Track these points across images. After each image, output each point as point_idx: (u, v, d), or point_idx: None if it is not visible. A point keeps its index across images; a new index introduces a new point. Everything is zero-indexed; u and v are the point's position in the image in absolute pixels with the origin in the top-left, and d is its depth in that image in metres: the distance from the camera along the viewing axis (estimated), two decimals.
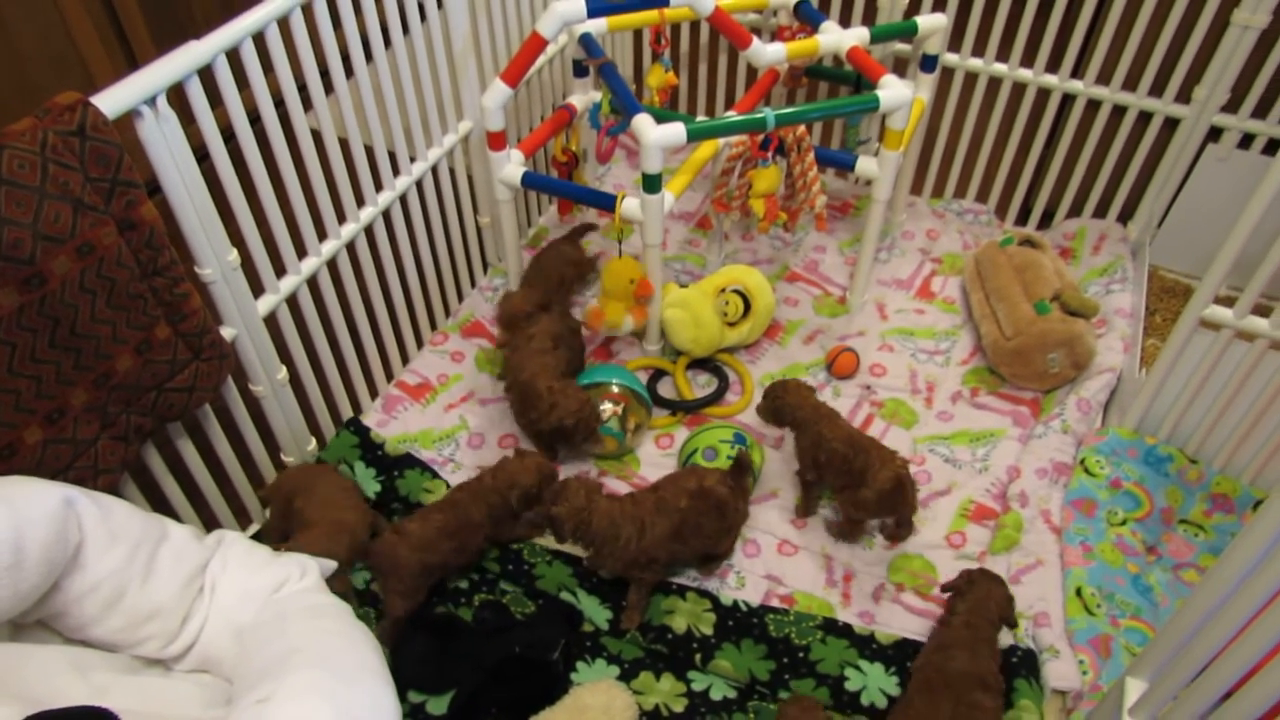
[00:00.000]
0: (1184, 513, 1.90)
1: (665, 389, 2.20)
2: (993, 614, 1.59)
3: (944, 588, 1.69)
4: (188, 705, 1.08)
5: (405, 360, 2.25)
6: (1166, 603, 1.75)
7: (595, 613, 1.73)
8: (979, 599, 1.60)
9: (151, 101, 1.34)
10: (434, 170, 2.11)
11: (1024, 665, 1.64)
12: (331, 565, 1.40)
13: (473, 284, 2.47)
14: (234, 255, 1.56)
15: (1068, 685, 1.61)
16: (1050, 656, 1.65)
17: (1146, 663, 1.19)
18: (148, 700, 1.05)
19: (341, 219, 1.87)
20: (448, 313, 2.39)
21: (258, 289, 1.69)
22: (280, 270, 1.75)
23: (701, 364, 2.23)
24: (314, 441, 1.98)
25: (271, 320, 1.73)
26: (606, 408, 1.96)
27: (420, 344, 2.30)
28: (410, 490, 1.91)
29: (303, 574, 1.27)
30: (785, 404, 1.91)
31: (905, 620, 1.75)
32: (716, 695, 1.64)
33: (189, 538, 1.22)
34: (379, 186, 1.96)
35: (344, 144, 1.79)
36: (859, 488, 1.77)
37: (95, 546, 1.08)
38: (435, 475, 1.95)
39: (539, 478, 1.76)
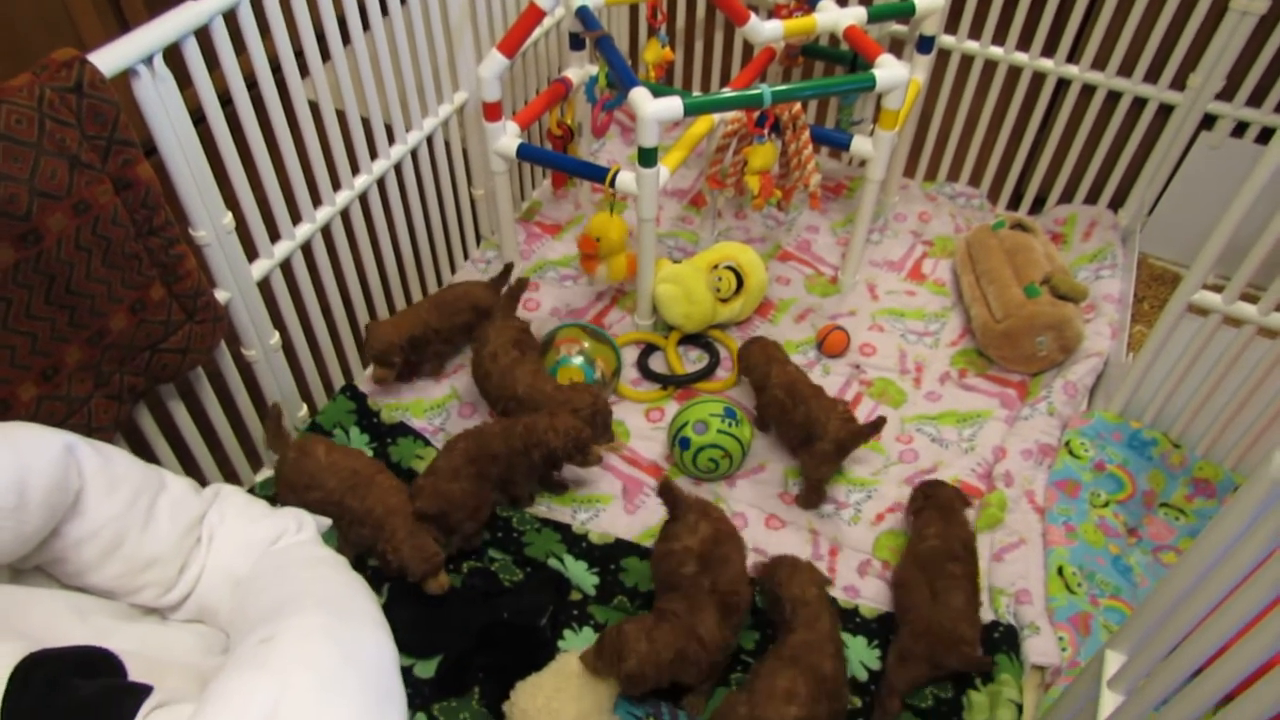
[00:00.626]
0: (1166, 496, 1.93)
1: (657, 364, 2.21)
2: (956, 505, 1.75)
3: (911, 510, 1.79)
4: (186, 652, 1.10)
5: None
6: (1146, 583, 1.78)
7: (583, 578, 1.75)
8: (943, 500, 1.75)
9: (148, 61, 1.34)
10: (429, 140, 2.11)
11: (1005, 641, 1.66)
12: (326, 523, 1.41)
13: (465, 256, 2.47)
14: (229, 218, 1.56)
15: (1047, 661, 1.64)
16: (1031, 633, 1.68)
17: (1126, 636, 1.21)
18: (146, 645, 1.06)
19: (336, 186, 1.87)
20: (440, 284, 2.39)
21: (252, 253, 1.69)
22: (275, 235, 1.75)
23: (693, 340, 2.25)
24: (305, 407, 1.98)
25: (265, 285, 1.74)
26: (575, 353, 2.01)
27: None
28: (402, 457, 1.92)
29: (299, 527, 1.28)
30: (750, 361, 2.00)
31: (890, 595, 1.77)
32: None
33: (187, 489, 1.23)
34: (374, 154, 1.96)
35: (339, 113, 1.79)
36: (812, 442, 1.84)
37: (95, 493, 1.09)
38: (427, 443, 1.96)
39: (566, 441, 1.75)
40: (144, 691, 0.90)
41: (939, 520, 1.73)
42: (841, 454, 1.86)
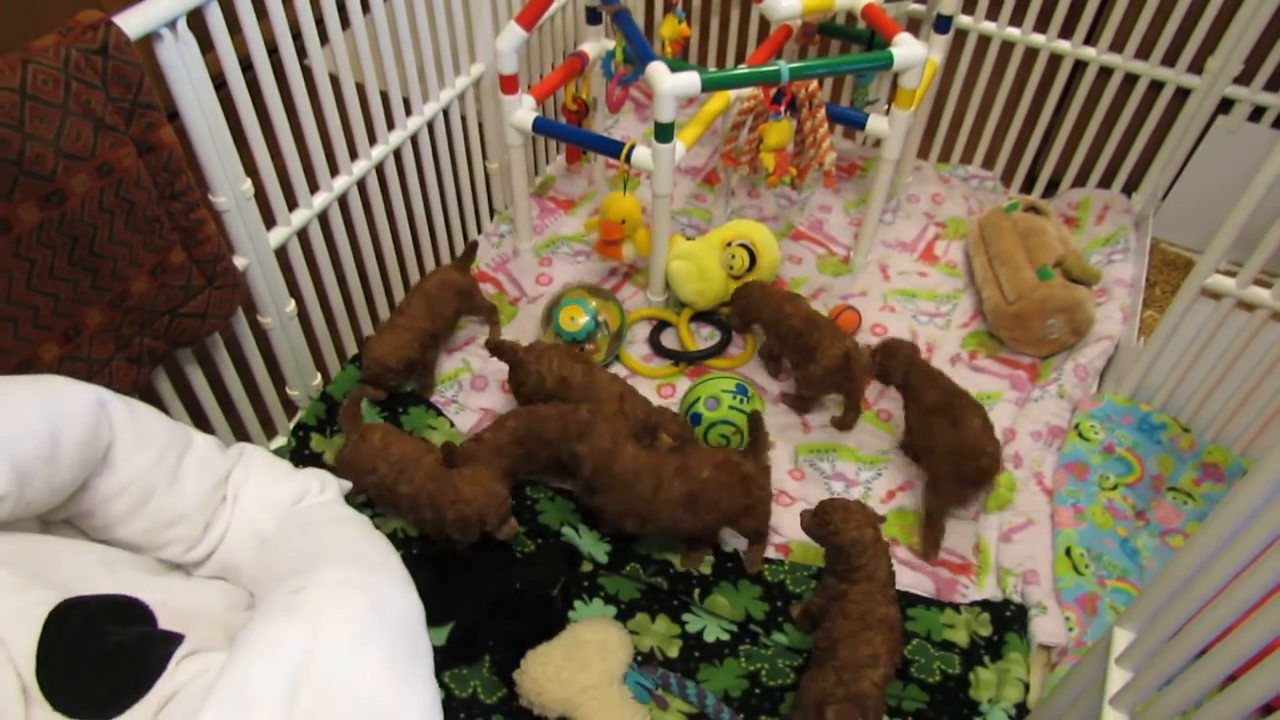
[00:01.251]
0: (1174, 480, 1.94)
1: (669, 340, 2.22)
2: (919, 360, 1.86)
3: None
4: (212, 606, 1.11)
5: None
6: (1153, 566, 1.79)
7: (594, 548, 1.76)
8: (910, 358, 1.86)
9: (171, 25, 1.34)
10: (445, 113, 2.11)
11: (1014, 620, 1.68)
12: (347, 485, 1.42)
13: (479, 229, 2.47)
14: (248, 185, 1.57)
15: (1054, 640, 1.65)
16: (1038, 612, 1.69)
17: (1135, 614, 1.22)
18: (172, 598, 1.08)
19: (354, 156, 1.88)
20: (453, 256, 2.39)
21: (270, 221, 1.70)
22: (292, 203, 1.75)
23: (705, 317, 2.25)
24: (319, 376, 1.99)
25: (282, 253, 1.74)
26: (578, 299, 2.05)
27: None
28: (415, 426, 1.93)
29: (323, 487, 1.30)
30: (751, 301, 2.06)
31: (899, 573, 1.77)
32: (710, 638, 1.68)
33: (213, 447, 1.25)
34: (391, 126, 1.96)
35: (359, 86, 1.79)
36: (810, 363, 1.92)
37: (125, 447, 1.10)
38: (439, 413, 1.98)
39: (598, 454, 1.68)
40: (176, 639, 0.91)
41: (926, 381, 1.86)
42: (824, 383, 1.95)
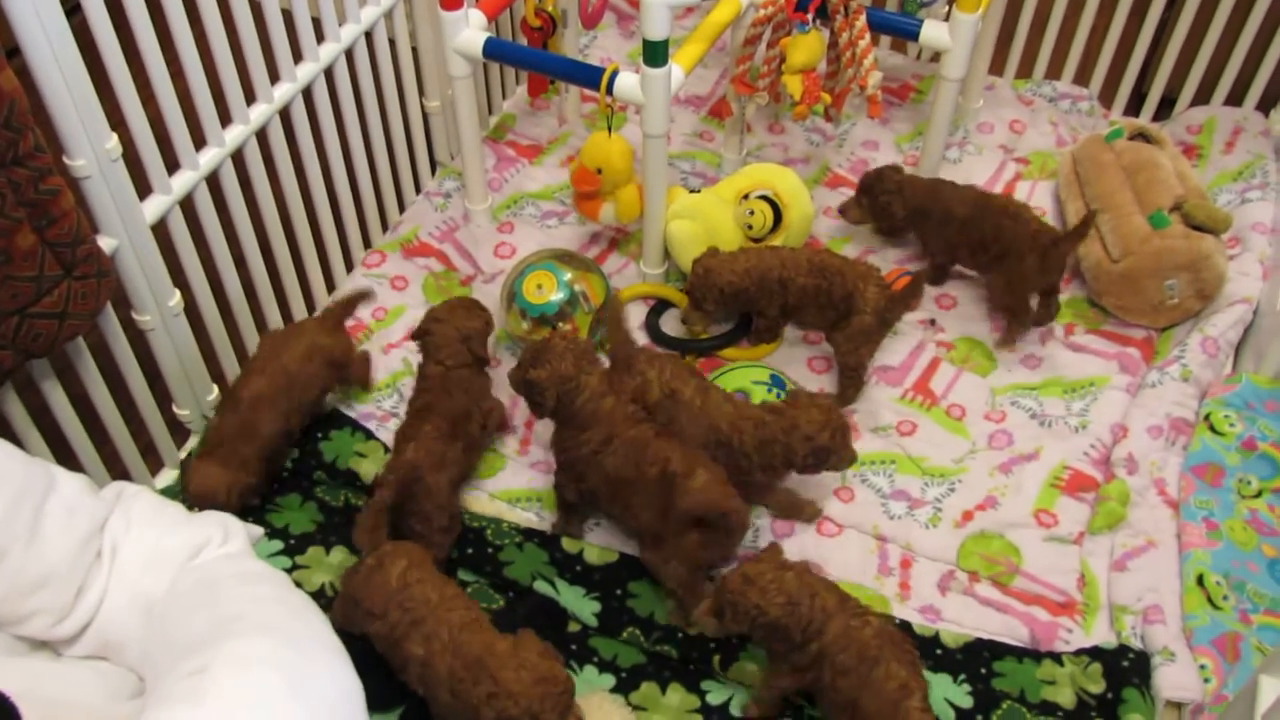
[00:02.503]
0: None
1: (671, 324, 2.23)
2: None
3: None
4: (88, 692, 1.12)
5: (331, 287, 2.29)
6: None
7: (579, 606, 1.78)
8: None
9: None
10: (368, 36, 2.13)
11: (1133, 671, 1.70)
12: (259, 532, 1.43)
13: (418, 189, 2.49)
14: (113, 142, 1.58)
15: (1186, 695, 1.67)
16: (1164, 660, 1.71)
17: None
18: (40, 684, 1.09)
19: (250, 99, 1.89)
20: (385, 226, 2.41)
21: (144, 188, 1.71)
22: (172, 164, 1.76)
23: None
24: (216, 390, 2.01)
25: (161, 229, 1.75)
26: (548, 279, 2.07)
27: (350, 266, 2.33)
28: (339, 454, 1.94)
29: (226, 537, 1.31)
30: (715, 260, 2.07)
31: (981, 617, 1.81)
32: (738, 710, 1.69)
33: (82, 489, 1.26)
34: (297, 56, 1.97)
35: (253, 3, 1.80)
36: (850, 316, 2.01)
37: None
38: (370, 435, 1.99)
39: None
40: None
41: (940, 195, 2.18)
42: (884, 327, 2.04)
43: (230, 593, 1.18)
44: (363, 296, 2.07)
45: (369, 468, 1.92)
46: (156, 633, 1.18)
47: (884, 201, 2.23)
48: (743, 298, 2.08)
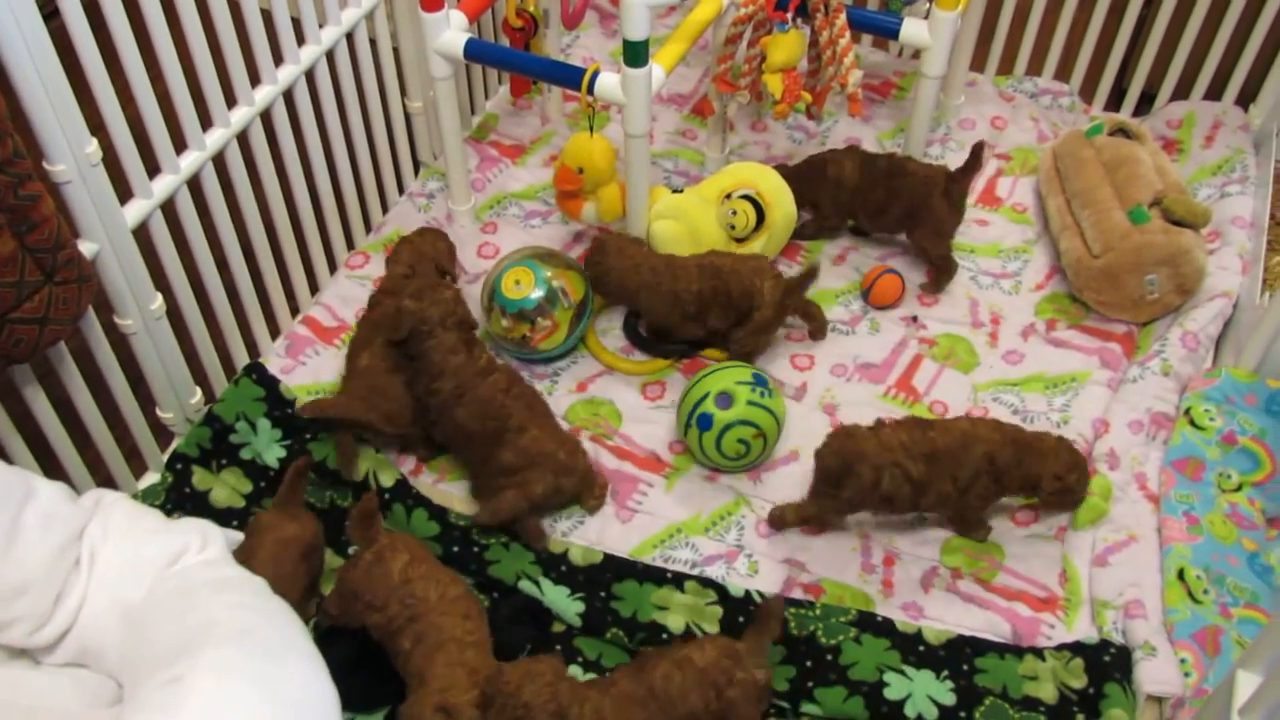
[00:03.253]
0: None
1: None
2: None
3: None
4: (67, 699, 1.13)
5: (314, 289, 2.28)
6: None
7: (564, 606, 1.78)
8: None
9: None
10: (349, 38, 2.12)
11: (1115, 666, 1.71)
12: (238, 537, 1.44)
13: (400, 190, 2.49)
14: (93, 147, 1.58)
15: (1166, 690, 1.68)
16: (1145, 654, 1.72)
17: (1261, 651, 1.25)
18: (19, 693, 1.09)
19: (231, 102, 1.89)
20: (368, 227, 2.41)
21: (124, 193, 1.71)
22: (153, 168, 1.76)
23: None
24: (199, 393, 2.00)
25: (143, 233, 1.75)
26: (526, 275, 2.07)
27: (334, 268, 2.33)
28: (328, 456, 1.94)
29: (204, 543, 1.31)
30: (608, 265, 2.08)
31: (963, 614, 1.82)
32: None
33: (61, 497, 1.26)
34: (278, 59, 1.97)
35: (233, 5, 1.80)
36: (749, 313, 2.07)
37: None
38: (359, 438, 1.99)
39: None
40: None
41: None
42: (783, 315, 2.12)
43: (207, 600, 1.18)
44: (305, 468, 1.84)
45: (360, 465, 1.93)
46: (134, 640, 1.18)
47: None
48: (632, 304, 2.16)
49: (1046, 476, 1.81)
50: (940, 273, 2.29)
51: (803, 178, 2.30)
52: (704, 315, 2.09)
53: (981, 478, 1.81)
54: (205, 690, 1.00)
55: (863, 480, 1.78)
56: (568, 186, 2.14)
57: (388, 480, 1.92)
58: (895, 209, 2.25)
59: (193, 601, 1.18)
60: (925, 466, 1.79)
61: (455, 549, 1.84)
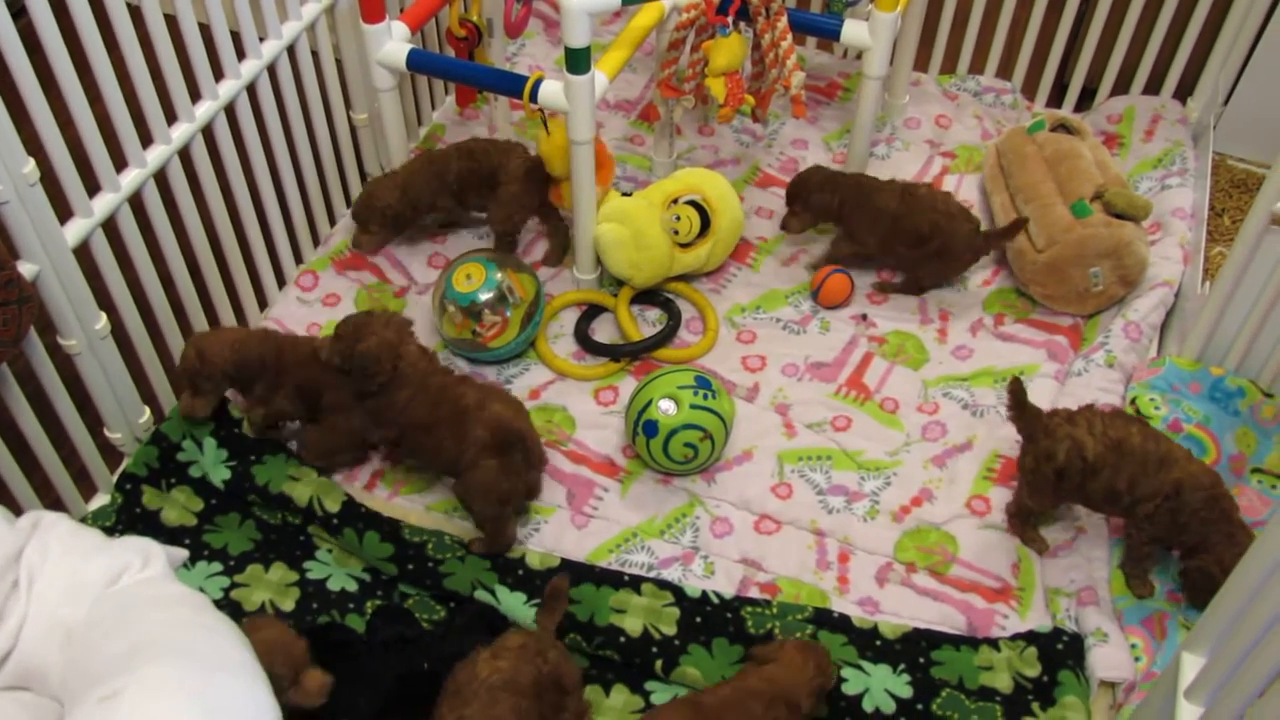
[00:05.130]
0: (1258, 460, 2.01)
1: (605, 331, 2.25)
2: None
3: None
4: None
5: (263, 305, 2.28)
6: None
7: (520, 613, 1.79)
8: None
9: None
10: (290, 52, 2.12)
11: (1068, 653, 1.73)
12: (182, 555, 1.43)
13: (348, 203, 2.48)
14: (30, 166, 1.57)
15: (1118, 675, 1.71)
16: (1097, 641, 1.75)
17: (1204, 634, 1.27)
18: None
19: (171, 118, 1.88)
20: (316, 242, 2.40)
21: (64, 212, 1.70)
22: (93, 187, 1.75)
23: (649, 297, 2.29)
24: (147, 412, 1.99)
25: (84, 252, 1.74)
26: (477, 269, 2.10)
27: (282, 284, 2.32)
28: (271, 479, 1.93)
29: (145, 562, 1.31)
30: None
31: (918, 607, 1.84)
32: None
33: None
34: (218, 75, 1.96)
35: (169, 19, 1.79)
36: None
37: None
38: (303, 461, 1.97)
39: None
40: None
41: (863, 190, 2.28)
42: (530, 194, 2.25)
43: (146, 618, 1.18)
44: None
45: (302, 491, 1.91)
46: (74, 660, 1.18)
47: (817, 200, 2.27)
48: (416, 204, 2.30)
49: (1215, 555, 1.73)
50: (910, 288, 2.34)
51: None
52: (465, 194, 2.29)
53: (1162, 505, 1.75)
54: (141, 706, 0.99)
55: (1038, 447, 1.81)
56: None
57: (333, 505, 1.90)
58: (931, 245, 2.25)
59: (131, 620, 1.17)
60: (1106, 452, 1.76)
61: (410, 566, 1.84)
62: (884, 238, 2.27)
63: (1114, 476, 1.76)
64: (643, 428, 1.93)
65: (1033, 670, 1.74)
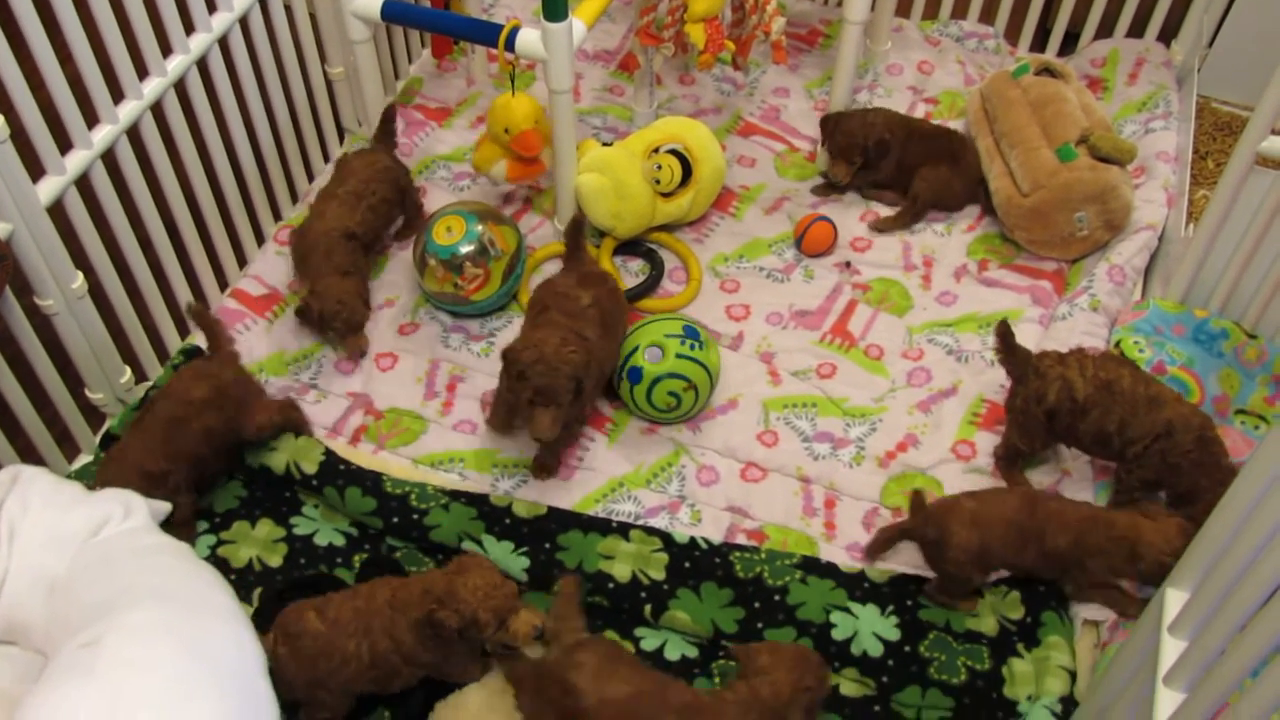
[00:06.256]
0: (1241, 401, 2.02)
1: None
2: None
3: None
4: None
5: (242, 262, 2.26)
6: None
7: (509, 562, 1.79)
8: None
9: None
10: (263, 4, 2.10)
11: (1050, 595, 1.75)
12: (165, 508, 1.43)
13: (326, 158, 2.46)
14: (0, 123, 1.55)
15: (1101, 614, 1.73)
16: None
17: (1187, 570, 1.28)
18: None
19: (142, 74, 1.86)
20: (294, 197, 2.39)
21: (36, 170, 1.68)
22: (65, 144, 1.74)
23: (633, 247, 2.28)
24: (128, 372, 1.99)
25: (59, 211, 1.73)
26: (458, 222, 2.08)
27: (261, 240, 2.31)
28: (251, 453, 1.91)
29: (126, 512, 1.31)
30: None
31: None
32: (673, 655, 1.72)
33: None
34: (189, 28, 1.94)
35: None
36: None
37: None
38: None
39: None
40: None
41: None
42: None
43: (127, 566, 1.18)
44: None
45: (279, 459, 1.90)
46: (57, 611, 1.18)
47: (863, 138, 2.32)
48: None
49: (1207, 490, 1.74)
50: (908, 211, 2.36)
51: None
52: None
53: (1152, 445, 1.75)
54: (121, 649, 1.00)
55: (1028, 388, 1.81)
56: (531, 150, 2.14)
57: (310, 467, 1.88)
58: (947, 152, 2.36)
59: (113, 569, 1.17)
60: (1095, 393, 1.77)
61: (395, 520, 1.84)
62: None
63: (1103, 417, 1.77)
64: (627, 373, 1.94)
65: (1016, 613, 1.75)
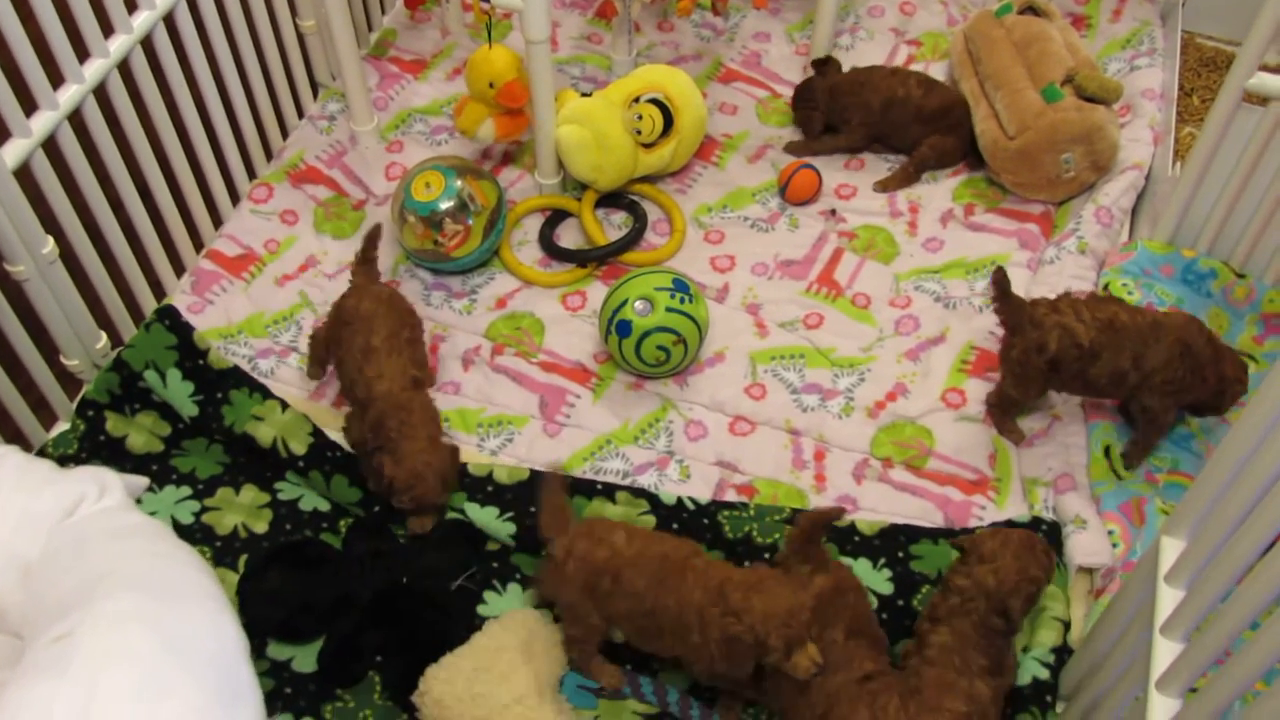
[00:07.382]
0: (1230, 340, 2.01)
1: (570, 236, 2.21)
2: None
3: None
4: None
5: (218, 222, 2.22)
6: (1213, 452, 1.86)
7: (496, 528, 1.78)
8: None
9: None
10: None
11: (1047, 540, 1.74)
12: (142, 483, 1.41)
13: (300, 114, 2.42)
14: None
15: (1096, 561, 1.72)
16: (1076, 529, 1.76)
17: (1184, 517, 1.27)
18: None
19: (108, 30, 1.81)
20: (269, 154, 2.34)
21: (1, 133, 1.65)
22: (29, 105, 1.69)
23: (615, 199, 2.25)
24: (104, 337, 1.95)
25: (25, 175, 1.69)
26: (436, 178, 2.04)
27: (236, 200, 2.27)
28: (237, 419, 1.87)
29: (101, 491, 1.28)
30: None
31: (895, 502, 1.84)
32: None
33: None
34: None
35: None
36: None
37: None
38: (267, 395, 1.92)
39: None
40: None
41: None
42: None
43: (100, 550, 1.16)
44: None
45: (266, 432, 1.86)
46: (33, 595, 1.16)
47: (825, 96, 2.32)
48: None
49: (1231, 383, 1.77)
50: (907, 170, 2.33)
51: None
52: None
53: (1179, 365, 1.74)
54: (96, 643, 0.98)
55: (1025, 338, 1.78)
56: (515, 101, 2.10)
57: (299, 448, 1.85)
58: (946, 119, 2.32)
59: (88, 552, 1.15)
60: (1100, 334, 1.74)
61: (377, 508, 1.82)
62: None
63: (1117, 356, 1.75)
64: (616, 327, 1.91)
65: None
